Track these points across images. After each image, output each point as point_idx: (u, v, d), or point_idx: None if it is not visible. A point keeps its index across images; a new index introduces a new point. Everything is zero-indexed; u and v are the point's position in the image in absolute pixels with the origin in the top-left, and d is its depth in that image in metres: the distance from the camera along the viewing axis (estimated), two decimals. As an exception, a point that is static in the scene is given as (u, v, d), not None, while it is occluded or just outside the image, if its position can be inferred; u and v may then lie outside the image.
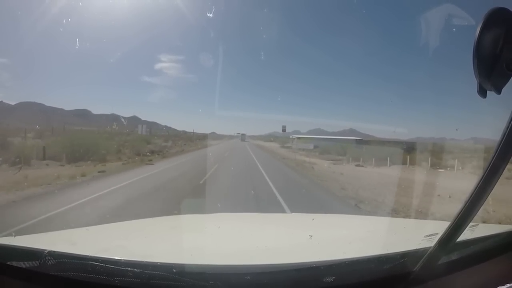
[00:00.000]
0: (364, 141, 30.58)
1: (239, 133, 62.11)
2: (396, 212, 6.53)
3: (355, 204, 7.45)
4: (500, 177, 0.78)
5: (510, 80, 0.73)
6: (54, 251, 0.98)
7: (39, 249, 1.00)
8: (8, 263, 0.99)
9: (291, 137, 38.23)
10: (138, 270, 0.93)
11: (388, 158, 18.29)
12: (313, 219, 2.10)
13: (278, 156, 24.58)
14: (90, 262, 0.95)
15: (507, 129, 0.72)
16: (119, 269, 0.94)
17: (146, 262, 0.97)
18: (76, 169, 11.72)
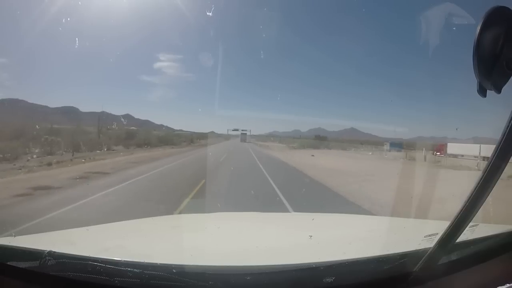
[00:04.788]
0: None
1: (236, 130, 43.33)
2: None
3: None
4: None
5: (510, 79, 0.72)
6: (54, 252, 0.99)
7: (39, 249, 1.00)
8: (8, 263, 1.00)
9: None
10: (138, 271, 0.93)
11: None
12: (313, 219, 2.09)
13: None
14: (90, 262, 0.95)
15: (507, 129, 0.71)
16: (119, 269, 0.94)
17: (146, 262, 0.97)
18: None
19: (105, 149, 21.34)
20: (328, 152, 30.10)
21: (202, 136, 40.29)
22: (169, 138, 35.17)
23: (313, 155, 23.09)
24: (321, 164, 16.67)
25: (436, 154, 23.34)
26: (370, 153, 28.97)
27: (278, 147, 37.04)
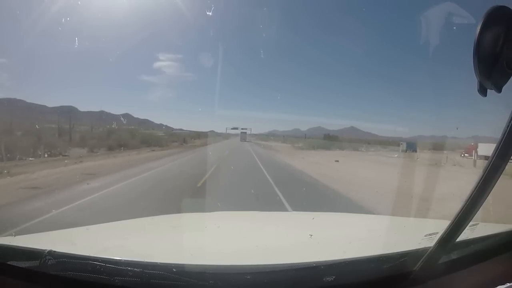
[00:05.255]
0: None
1: (236, 128, 39.81)
2: None
3: None
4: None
5: (510, 78, 0.73)
6: (54, 251, 0.99)
7: (39, 249, 1.01)
8: (8, 263, 1.00)
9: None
10: (138, 270, 0.93)
11: None
12: (313, 218, 2.10)
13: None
14: (90, 262, 0.95)
15: (507, 128, 0.71)
16: (119, 268, 0.94)
17: (146, 262, 0.97)
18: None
19: (46, 155, 15.35)
20: (345, 155, 23.74)
21: (199, 135, 36.58)
22: (155, 138, 28.67)
23: (337, 161, 17.66)
24: (368, 178, 10.71)
25: (465, 156, 20.80)
26: (396, 156, 22.74)
27: (284, 148, 31.09)
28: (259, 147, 30.54)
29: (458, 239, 0.92)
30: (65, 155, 16.86)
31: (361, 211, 6.37)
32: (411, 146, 25.70)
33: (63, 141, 20.16)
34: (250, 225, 1.99)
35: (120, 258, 0.98)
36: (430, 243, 0.96)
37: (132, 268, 0.93)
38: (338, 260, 1.01)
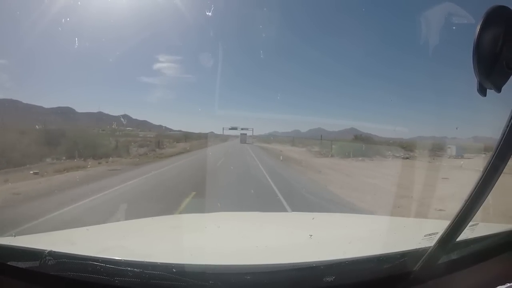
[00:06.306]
0: None
1: (234, 128, 34.81)
2: None
3: None
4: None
5: (510, 78, 0.73)
6: (54, 251, 0.99)
7: (39, 249, 1.01)
8: (8, 263, 1.00)
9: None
10: (138, 270, 0.93)
11: None
12: (313, 218, 2.10)
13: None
14: (90, 262, 0.95)
15: (507, 128, 0.71)
16: (119, 269, 0.94)
17: (146, 262, 0.97)
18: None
19: None
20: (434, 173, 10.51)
21: (185, 137, 31.26)
22: (100, 142, 17.17)
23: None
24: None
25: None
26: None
27: (304, 156, 21.00)
28: (269, 156, 20.93)
29: (458, 239, 0.92)
30: None
31: None
32: (460, 151, 19.24)
33: None
34: (250, 225, 1.99)
35: (120, 258, 0.98)
36: (430, 243, 0.96)
37: (132, 269, 0.93)
38: (338, 260, 1.01)
